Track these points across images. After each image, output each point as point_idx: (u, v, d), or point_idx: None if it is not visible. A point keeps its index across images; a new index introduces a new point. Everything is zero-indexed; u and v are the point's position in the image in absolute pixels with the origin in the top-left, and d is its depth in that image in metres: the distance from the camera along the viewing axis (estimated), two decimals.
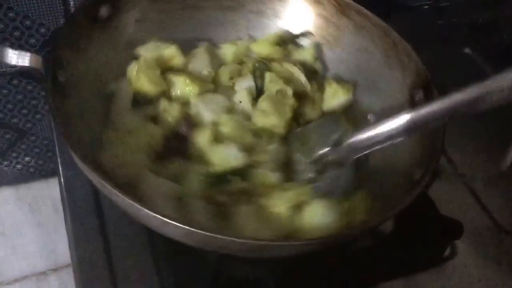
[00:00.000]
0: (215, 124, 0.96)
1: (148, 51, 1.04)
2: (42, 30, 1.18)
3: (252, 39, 1.14)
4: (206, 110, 0.98)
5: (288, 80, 1.04)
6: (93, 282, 0.87)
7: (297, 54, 1.10)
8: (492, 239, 1.02)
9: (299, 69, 1.05)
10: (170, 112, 0.97)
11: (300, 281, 0.92)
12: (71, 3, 1.15)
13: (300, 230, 0.85)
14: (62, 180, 0.99)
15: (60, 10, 1.17)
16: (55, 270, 1.58)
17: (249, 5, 1.12)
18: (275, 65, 1.06)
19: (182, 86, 1.00)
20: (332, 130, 0.94)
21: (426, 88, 0.88)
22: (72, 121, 0.85)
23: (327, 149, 0.93)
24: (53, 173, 1.48)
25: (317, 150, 0.94)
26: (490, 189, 1.07)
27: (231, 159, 0.91)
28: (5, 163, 1.48)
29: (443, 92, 0.94)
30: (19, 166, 1.51)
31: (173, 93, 1.01)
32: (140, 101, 0.99)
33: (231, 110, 1.00)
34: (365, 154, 0.89)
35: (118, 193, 0.70)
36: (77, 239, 0.92)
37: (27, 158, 1.49)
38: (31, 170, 1.54)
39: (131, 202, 0.69)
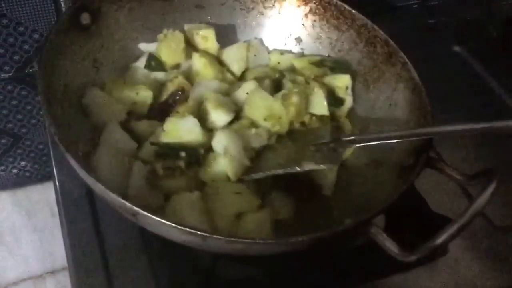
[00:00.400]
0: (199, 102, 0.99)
1: (187, 27, 1.11)
2: (36, 36, 1.19)
3: (299, 54, 1.18)
4: (196, 91, 1.01)
5: (305, 97, 1.05)
6: (89, 284, 0.88)
7: (331, 79, 1.11)
8: (483, 235, 1.03)
9: (323, 92, 1.06)
10: (174, 82, 1.01)
11: (295, 280, 0.93)
12: (63, 8, 1.16)
13: (235, 232, 0.87)
14: (57, 184, 1.00)
15: (52, 16, 1.18)
16: (52, 273, 1.58)
17: (310, 28, 1.16)
18: (300, 80, 1.08)
19: (199, 67, 1.05)
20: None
21: (418, 155, 0.89)
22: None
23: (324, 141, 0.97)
24: (49, 177, 1.47)
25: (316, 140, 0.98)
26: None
27: (187, 132, 0.93)
28: (1, 168, 1.48)
29: (432, 89, 0.96)
30: (15, 171, 1.51)
31: (188, 69, 1.07)
32: (153, 66, 1.06)
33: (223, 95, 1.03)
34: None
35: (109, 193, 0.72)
36: (72, 242, 0.92)
37: (23, 163, 1.50)
38: (27, 174, 1.54)
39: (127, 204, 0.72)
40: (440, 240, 0.72)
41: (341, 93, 1.08)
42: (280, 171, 0.94)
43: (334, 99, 1.07)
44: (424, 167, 0.86)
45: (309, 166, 0.93)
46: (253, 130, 0.97)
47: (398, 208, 0.79)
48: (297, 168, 0.94)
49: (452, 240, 0.72)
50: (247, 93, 1.01)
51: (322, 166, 0.93)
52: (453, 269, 0.98)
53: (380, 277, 0.95)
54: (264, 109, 0.98)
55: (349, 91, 1.09)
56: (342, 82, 1.09)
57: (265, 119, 0.98)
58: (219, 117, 0.97)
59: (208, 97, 0.98)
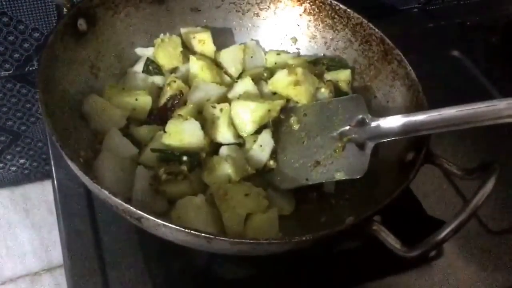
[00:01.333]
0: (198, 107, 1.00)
1: (183, 31, 1.13)
2: (36, 34, 1.19)
3: (296, 54, 1.19)
4: (194, 94, 1.02)
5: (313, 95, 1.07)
6: (85, 282, 0.88)
7: (334, 74, 1.12)
8: (478, 239, 1.04)
9: (331, 91, 1.08)
10: (172, 86, 1.02)
11: (288, 280, 0.94)
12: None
13: (244, 233, 0.88)
14: (55, 182, 1.01)
15: (53, 15, 1.18)
16: (48, 270, 1.58)
17: (304, 28, 1.17)
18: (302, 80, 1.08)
19: (196, 70, 1.06)
20: (355, 110, 0.97)
21: (417, 151, 0.90)
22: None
23: (348, 127, 0.96)
24: (48, 175, 1.48)
25: (340, 125, 0.97)
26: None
27: (189, 134, 0.94)
28: (0, 165, 1.48)
29: (431, 93, 0.96)
30: (14, 168, 1.51)
31: (186, 72, 1.08)
32: (151, 70, 1.06)
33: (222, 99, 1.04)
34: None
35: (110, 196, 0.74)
36: (69, 240, 0.93)
37: (22, 161, 1.50)
38: (26, 172, 1.54)
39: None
40: (442, 235, 0.74)
41: (344, 87, 1.10)
42: (309, 183, 0.96)
43: (339, 94, 1.08)
44: (424, 163, 0.87)
45: (340, 176, 0.95)
46: (254, 149, 0.98)
47: (394, 210, 0.80)
48: (333, 179, 0.95)
49: (453, 235, 0.73)
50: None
51: (354, 176, 0.94)
52: (447, 272, 0.99)
53: (372, 280, 0.96)
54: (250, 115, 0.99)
55: (350, 85, 1.11)
56: (344, 76, 1.11)
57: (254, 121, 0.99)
58: (227, 136, 0.98)
59: (222, 113, 0.98)
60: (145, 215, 0.72)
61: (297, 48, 1.19)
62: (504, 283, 0.98)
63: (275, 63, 1.15)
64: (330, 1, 1.12)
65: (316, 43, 1.17)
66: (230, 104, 1.00)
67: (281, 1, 1.16)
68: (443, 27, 1.50)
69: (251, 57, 1.15)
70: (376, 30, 1.08)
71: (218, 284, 0.94)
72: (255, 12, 1.17)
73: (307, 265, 0.93)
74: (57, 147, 0.78)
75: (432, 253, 1.00)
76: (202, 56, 1.10)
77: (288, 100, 1.06)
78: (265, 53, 1.18)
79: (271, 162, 0.98)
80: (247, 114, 0.98)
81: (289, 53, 1.18)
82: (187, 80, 1.06)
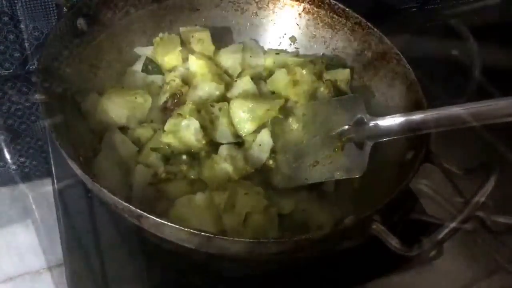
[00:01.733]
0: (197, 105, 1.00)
1: (182, 30, 1.14)
2: (36, 33, 1.19)
3: (294, 53, 1.19)
4: (193, 94, 1.03)
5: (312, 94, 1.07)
6: (84, 281, 0.89)
7: (333, 73, 1.13)
8: (478, 239, 1.04)
9: (330, 90, 1.08)
10: (171, 85, 1.02)
11: (288, 280, 0.94)
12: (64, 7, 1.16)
13: (243, 232, 0.89)
14: (55, 181, 1.01)
15: (53, 14, 1.18)
16: (48, 269, 1.58)
17: (303, 28, 1.18)
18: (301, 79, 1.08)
19: (195, 69, 1.06)
20: (354, 109, 0.96)
21: (417, 150, 0.90)
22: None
23: (347, 126, 0.96)
24: (48, 173, 1.48)
25: (339, 125, 0.97)
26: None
27: (188, 133, 0.94)
28: (0, 164, 1.48)
29: (430, 93, 0.96)
30: (14, 167, 1.51)
31: (185, 72, 1.08)
32: (150, 70, 1.07)
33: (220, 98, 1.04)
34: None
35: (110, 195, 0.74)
36: (69, 239, 0.94)
37: (22, 159, 1.50)
38: (26, 171, 1.54)
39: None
40: (442, 235, 0.74)
41: (343, 87, 1.11)
42: (309, 182, 0.97)
43: (338, 93, 1.09)
44: (423, 162, 0.87)
45: (339, 176, 0.95)
46: (253, 148, 0.99)
47: (394, 210, 0.80)
48: (332, 178, 0.96)
49: (453, 235, 0.74)
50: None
51: (354, 175, 0.94)
52: (447, 272, 0.99)
53: (371, 280, 0.97)
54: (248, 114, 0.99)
55: (349, 84, 1.12)
56: (343, 75, 1.11)
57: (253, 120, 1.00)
58: (226, 135, 0.99)
59: (221, 112, 0.99)
60: (145, 214, 0.72)
61: (296, 48, 1.19)
62: (504, 283, 0.98)
63: (274, 63, 1.15)
64: (329, 1, 1.13)
65: (315, 43, 1.17)
66: (229, 103, 1.00)
67: (280, 0, 1.17)
68: (442, 26, 1.51)
69: (250, 56, 1.15)
70: (375, 29, 1.09)
71: (218, 284, 0.94)
72: (254, 11, 1.18)
73: (307, 265, 0.93)
74: (57, 146, 0.78)
75: (432, 253, 1.00)
76: (201, 55, 1.10)
77: (287, 99, 1.06)
78: (264, 52, 1.18)
79: (270, 162, 0.98)
80: (246, 114, 0.99)
81: (288, 52, 1.19)
82: (187, 79, 1.06)
